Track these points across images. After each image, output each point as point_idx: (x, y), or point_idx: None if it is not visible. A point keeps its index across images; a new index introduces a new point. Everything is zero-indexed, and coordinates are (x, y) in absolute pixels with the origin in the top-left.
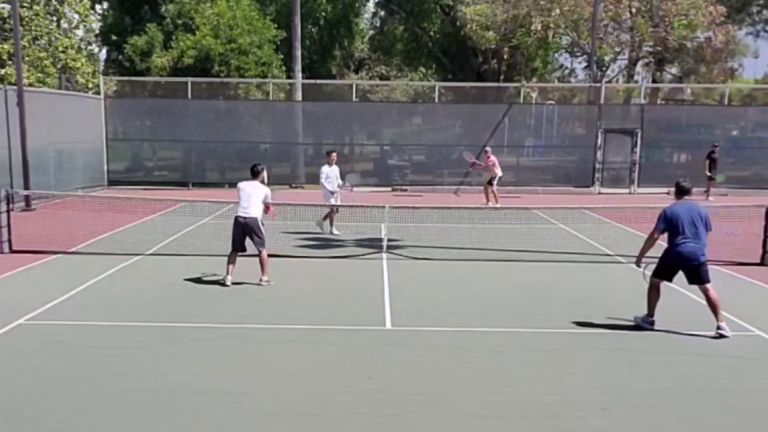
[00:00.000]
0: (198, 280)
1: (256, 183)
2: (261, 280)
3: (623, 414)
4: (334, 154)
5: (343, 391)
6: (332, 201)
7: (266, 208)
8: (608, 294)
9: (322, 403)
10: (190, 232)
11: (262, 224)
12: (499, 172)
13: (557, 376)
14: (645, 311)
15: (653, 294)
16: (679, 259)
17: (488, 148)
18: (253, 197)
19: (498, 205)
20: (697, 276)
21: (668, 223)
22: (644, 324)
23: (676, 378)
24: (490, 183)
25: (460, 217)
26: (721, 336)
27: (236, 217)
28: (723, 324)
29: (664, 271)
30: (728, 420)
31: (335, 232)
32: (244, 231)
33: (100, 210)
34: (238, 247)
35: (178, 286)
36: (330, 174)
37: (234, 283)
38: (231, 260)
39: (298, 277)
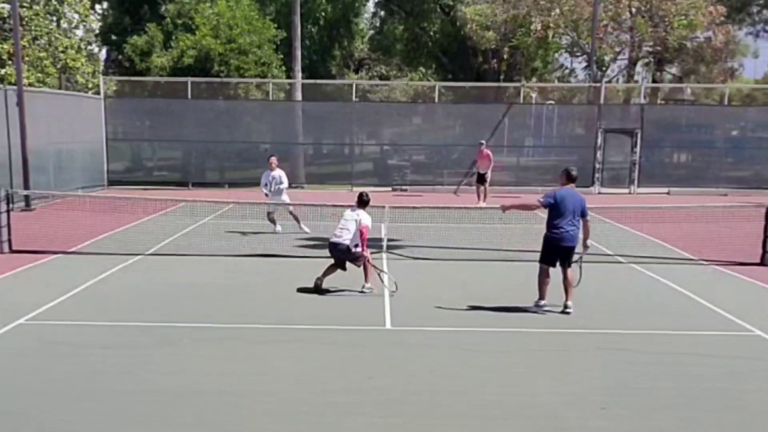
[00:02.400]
0: (198, 280)
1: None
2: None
3: (623, 414)
4: (273, 158)
5: (343, 391)
6: (270, 207)
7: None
8: (608, 294)
9: (322, 403)
10: (190, 232)
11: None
12: (485, 169)
13: (557, 376)
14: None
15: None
16: (560, 240)
17: (482, 141)
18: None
19: (484, 204)
20: (570, 258)
21: (554, 204)
22: (537, 309)
23: (676, 378)
24: (482, 181)
25: (460, 217)
26: (565, 312)
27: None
28: (570, 303)
29: (550, 255)
30: (728, 420)
31: (279, 229)
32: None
33: (100, 210)
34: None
35: (178, 286)
36: (269, 179)
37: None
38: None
39: (298, 277)
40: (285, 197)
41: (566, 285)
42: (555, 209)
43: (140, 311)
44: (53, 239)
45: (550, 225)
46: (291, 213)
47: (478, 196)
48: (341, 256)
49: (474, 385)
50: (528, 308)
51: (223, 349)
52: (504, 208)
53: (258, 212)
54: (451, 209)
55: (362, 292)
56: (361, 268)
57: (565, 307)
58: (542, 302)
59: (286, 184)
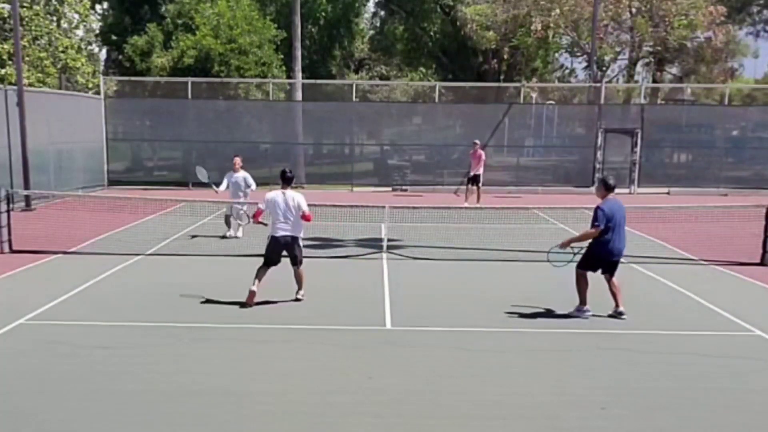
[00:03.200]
0: (198, 280)
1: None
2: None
3: (623, 414)
4: (237, 158)
5: (343, 391)
6: (229, 211)
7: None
8: (608, 294)
9: (322, 403)
10: (190, 232)
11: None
12: (479, 170)
13: (557, 376)
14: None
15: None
16: (611, 255)
17: (476, 141)
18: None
19: (466, 204)
20: (616, 268)
21: (608, 223)
22: (580, 314)
23: (676, 378)
24: (475, 182)
25: (460, 217)
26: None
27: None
28: (623, 308)
29: (594, 265)
30: (728, 420)
31: (239, 234)
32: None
33: (100, 210)
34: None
35: (178, 286)
36: (232, 181)
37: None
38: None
39: None
40: (243, 218)
41: (615, 290)
42: (608, 229)
43: (140, 311)
44: (53, 239)
45: (602, 240)
46: (244, 213)
47: (466, 197)
48: (289, 250)
49: (474, 385)
50: (570, 314)
51: (223, 349)
52: (564, 245)
53: None
54: (451, 209)
55: (297, 300)
56: (299, 268)
57: (620, 313)
58: (585, 307)
59: (254, 187)
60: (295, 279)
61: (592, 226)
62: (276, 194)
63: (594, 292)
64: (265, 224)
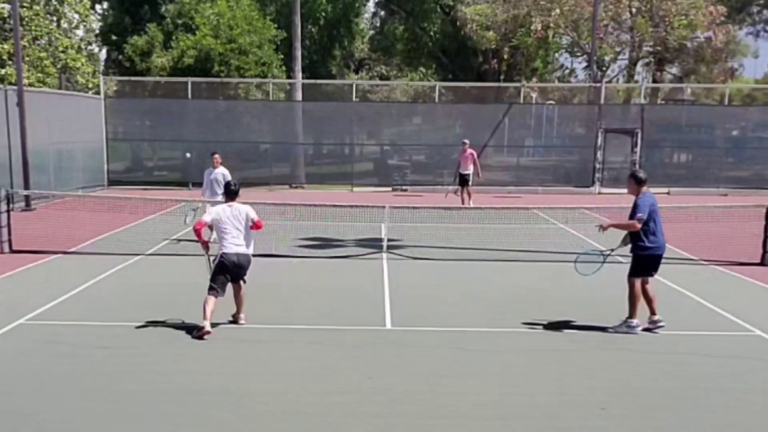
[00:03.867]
0: (198, 281)
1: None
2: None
3: (623, 414)
4: (216, 156)
5: (343, 391)
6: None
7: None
8: (608, 294)
9: (322, 403)
10: (190, 232)
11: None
12: (469, 170)
13: (557, 376)
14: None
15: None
16: (658, 250)
17: (465, 141)
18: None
19: (471, 203)
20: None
21: (651, 215)
22: (630, 330)
23: (676, 378)
24: (464, 183)
25: (460, 217)
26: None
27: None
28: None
29: (649, 269)
30: (728, 420)
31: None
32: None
33: (100, 210)
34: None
35: (178, 287)
36: (210, 178)
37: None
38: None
39: (298, 277)
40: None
41: (651, 297)
42: (650, 219)
43: (140, 311)
44: (53, 239)
45: (646, 238)
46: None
47: (462, 200)
48: (240, 268)
49: (474, 385)
50: (608, 328)
51: (223, 349)
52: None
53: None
54: (452, 209)
55: (236, 322)
56: (242, 288)
57: (658, 321)
58: (635, 321)
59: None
60: (236, 300)
61: (633, 217)
62: (221, 208)
63: (596, 291)
64: (207, 244)
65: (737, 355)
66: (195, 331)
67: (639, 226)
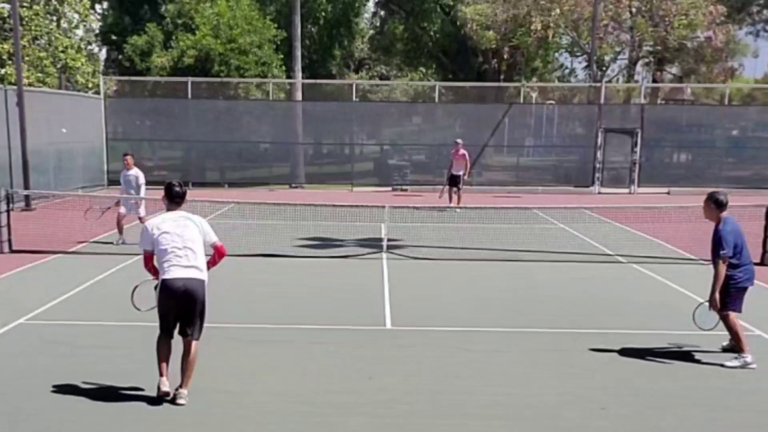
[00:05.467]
0: None
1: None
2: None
3: (623, 414)
4: (128, 157)
5: (343, 391)
6: (122, 209)
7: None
8: (608, 294)
9: (322, 403)
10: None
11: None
12: (461, 171)
13: (557, 376)
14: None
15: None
16: (750, 281)
17: (459, 140)
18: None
19: (452, 205)
20: None
21: (736, 246)
22: (746, 365)
23: (676, 378)
24: (455, 184)
25: (460, 217)
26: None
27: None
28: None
29: (740, 297)
30: (728, 420)
31: (124, 240)
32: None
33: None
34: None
35: None
36: (124, 179)
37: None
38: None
39: (298, 276)
40: (140, 209)
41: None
42: (737, 250)
43: (140, 311)
44: (53, 239)
45: (738, 265)
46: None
47: (450, 198)
48: (191, 304)
49: (474, 385)
50: (727, 364)
51: (223, 349)
52: (715, 306)
53: (258, 212)
54: (451, 209)
55: (177, 403)
56: (195, 344)
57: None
58: (749, 357)
59: (143, 188)
60: (182, 363)
61: (717, 255)
62: (162, 220)
63: (596, 291)
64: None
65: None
66: (156, 391)
67: (726, 264)
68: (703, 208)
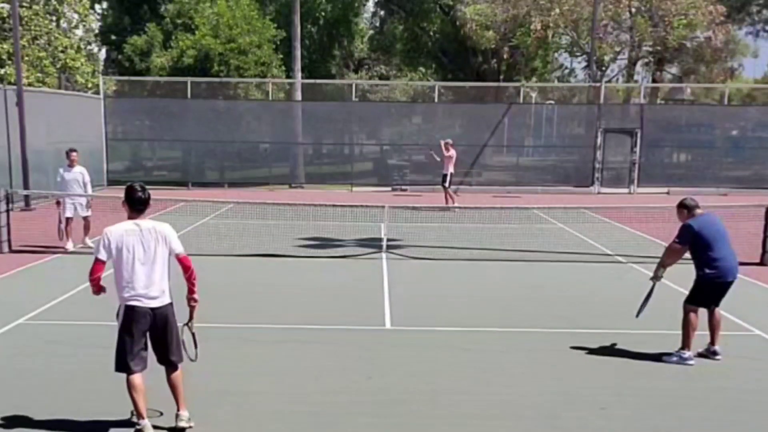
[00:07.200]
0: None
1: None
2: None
3: (623, 414)
4: (74, 154)
5: (343, 391)
6: (67, 212)
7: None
8: (608, 294)
9: (322, 403)
10: (190, 232)
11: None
12: (450, 170)
13: (557, 376)
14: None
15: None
16: (723, 276)
17: (449, 140)
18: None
19: (454, 205)
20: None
21: (697, 236)
22: (681, 362)
23: (676, 378)
24: (443, 182)
25: (460, 217)
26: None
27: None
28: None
29: (708, 294)
30: (728, 420)
31: (69, 247)
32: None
33: (100, 210)
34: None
35: (177, 287)
36: (68, 178)
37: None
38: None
39: (298, 276)
40: (85, 210)
41: (714, 326)
42: (700, 241)
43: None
44: (53, 239)
45: (706, 262)
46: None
47: (446, 199)
48: (160, 330)
49: (474, 385)
50: (665, 359)
51: (223, 349)
52: (658, 278)
53: (258, 212)
54: (451, 209)
55: (181, 429)
56: (177, 370)
57: (714, 353)
58: (688, 353)
59: (89, 186)
60: (171, 388)
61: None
62: (123, 230)
63: (596, 292)
64: (103, 290)
65: (737, 355)
66: None
67: (679, 250)
68: (677, 214)
